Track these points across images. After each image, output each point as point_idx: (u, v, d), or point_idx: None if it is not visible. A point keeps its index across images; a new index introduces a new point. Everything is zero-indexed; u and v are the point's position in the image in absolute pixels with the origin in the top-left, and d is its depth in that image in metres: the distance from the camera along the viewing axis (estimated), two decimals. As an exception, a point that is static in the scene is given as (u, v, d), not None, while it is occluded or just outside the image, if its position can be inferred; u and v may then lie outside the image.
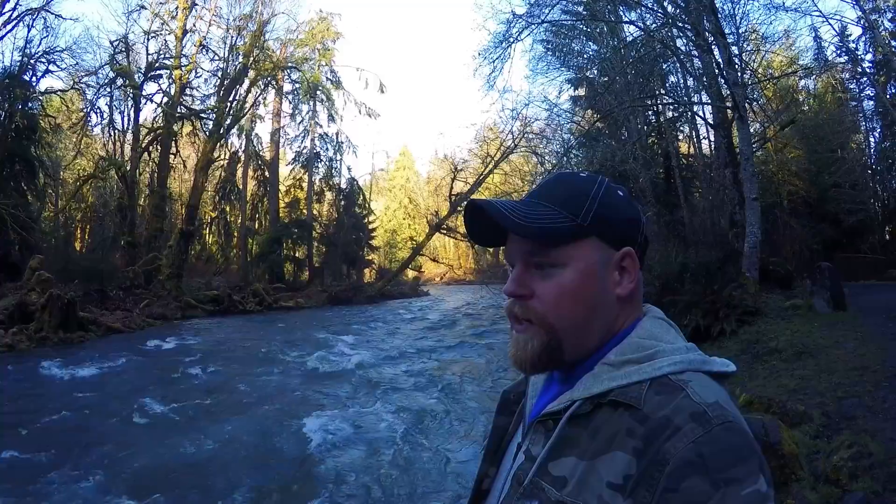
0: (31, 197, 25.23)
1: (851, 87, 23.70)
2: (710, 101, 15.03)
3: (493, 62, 18.34)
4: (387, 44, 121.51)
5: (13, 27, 22.78)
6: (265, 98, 34.36)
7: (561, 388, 0.89)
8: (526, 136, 28.67)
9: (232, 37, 28.29)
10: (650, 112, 20.96)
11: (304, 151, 39.22)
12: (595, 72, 22.63)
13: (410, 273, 44.52)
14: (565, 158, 24.02)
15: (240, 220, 38.09)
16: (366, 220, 42.10)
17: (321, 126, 39.22)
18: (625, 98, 17.69)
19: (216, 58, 28.81)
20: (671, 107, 19.89)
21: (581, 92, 25.10)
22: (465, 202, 0.85)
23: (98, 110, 27.69)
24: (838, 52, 21.13)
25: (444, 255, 56.75)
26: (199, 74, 28.70)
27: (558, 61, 23.54)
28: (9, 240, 20.78)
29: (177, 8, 27.13)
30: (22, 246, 21.11)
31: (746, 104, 13.28)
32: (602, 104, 19.39)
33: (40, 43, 23.97)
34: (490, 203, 0.85)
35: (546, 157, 27.02)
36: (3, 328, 14.13)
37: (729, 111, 13.58)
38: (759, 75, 16.03)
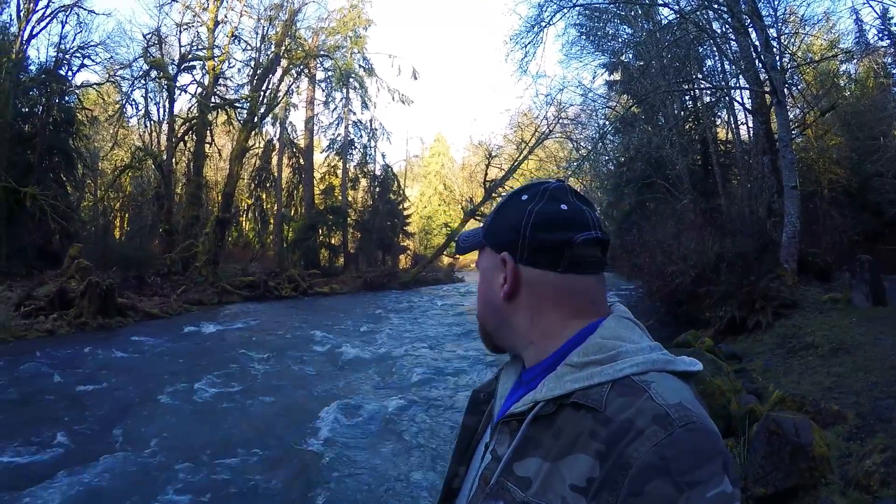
0: (70, 187, 25.89)
1: (894, 72, 22.89)
2: (747, 86, 14.64)
3: (525, 47, 18.12)
4: (418, 30, 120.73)
5: (47, 24, 23.36)
6: (298, 86, 34.58)
7: (526, 389, 0.89)
8: (561, 121, 28.39)
9: (263, 27, 28.38)
10: (687, 97, 20.57)
11: (339, 139, 39.36)
12: (630, 56, 22.26)
13: (446, 259, 44.43)
14: (600, 144, 23.77)
15: (275, 207, 38.44)
16: (401, 207, 42.08)
17: (355, 113, 39.27)
18: (660, 82, 17.38)
19: (248, 48, 28.99)
20: (708, 91, 19.46)
21: (616, 76, 24.77)
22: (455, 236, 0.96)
23: (133, 102, 28.26)
24: (880, 35, 20.45)
25: (479, 241, 56.65)
26: (231, 65, 28.97)
27: (592, 45, 23.22)
28: (49, 229, 21.23)
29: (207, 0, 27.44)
30: (62, 235, 21.57)
31: (785, 89, 12.91)
32: (638, 89, 19.07)
33: (74, 38, 24.57)
34: (460, 238, 1.04)
35: (581, 143, 26.76)
36: (43, 314, 14.52)
37: (767, 96, 13.20)
38: (798, 59, 15.55)
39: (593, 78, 24.95)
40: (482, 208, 33.22)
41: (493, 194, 32.01)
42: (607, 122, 23.46)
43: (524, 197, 0.93)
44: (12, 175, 20.60)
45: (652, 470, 0.68)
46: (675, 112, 20.30)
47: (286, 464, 6.12)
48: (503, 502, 0.80)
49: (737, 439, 4.76)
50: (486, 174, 33.47)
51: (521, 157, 31.78)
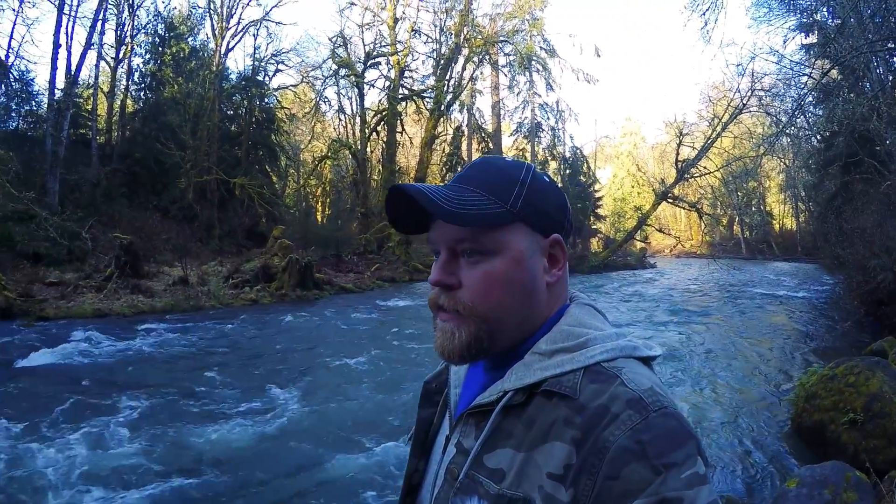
0: (274, 177, 30.20)
1: None
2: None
3: (704, 14, 17.09)
4: (598, 5, 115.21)
5: (240, 38, 27.48)
6: (482, 73, 35.35)
7: (489, 378, 0.88)
8: (755, 93, 26.17)
9: (441, 19, 29.58)
10: (895, 58, 18.16)
11: (525, 122, 39.63)
12: (824, 13, 20.03)
13: (638, 244, 42.83)
14: (800, 117, 21.75)
15: (467, 191, 39.55)
16: (591, 189, 41.32)
17: (540, 96, 39.13)
18: (861, 42, 15.67)
19: (429, 40, 30.44)
20: (916, 51, 16.98)
21: (812, 39, 22.50)
22: (390, 187, 0.88)
23: (326, 99, 32.09)
24: None
25: (673, 225, 54.03)
26: (415, 57, 30.63)
27: (781, 5, 21.03)
28: (256, 213, 24.65)
29: (385, -1, 29.24)
30: (267, 218, 24.66)
31: None
32: (836, 51, 17.18)
33: (267, 47, 29.64)
34: (418, 189, 0.82)
35: (779, 117, 24.60)
36: (249, 286, 16.62)
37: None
38: None
39: (784, 42, 22.52)
40: (674, 190, 31.84)
41: (686, 175, 30.47)
42: (805, 92, 21.42)
43: (545, 178, 0.90)
44: (223, 168, 24.87)
45: (629, 453, 0.68)
46: (882, 76, 17.99)
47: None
48: (477, 496, 0.78)
49: (912, 477, 4.05)
50: (677, 154, 31.73)
51: (713, 135, 29.72)
